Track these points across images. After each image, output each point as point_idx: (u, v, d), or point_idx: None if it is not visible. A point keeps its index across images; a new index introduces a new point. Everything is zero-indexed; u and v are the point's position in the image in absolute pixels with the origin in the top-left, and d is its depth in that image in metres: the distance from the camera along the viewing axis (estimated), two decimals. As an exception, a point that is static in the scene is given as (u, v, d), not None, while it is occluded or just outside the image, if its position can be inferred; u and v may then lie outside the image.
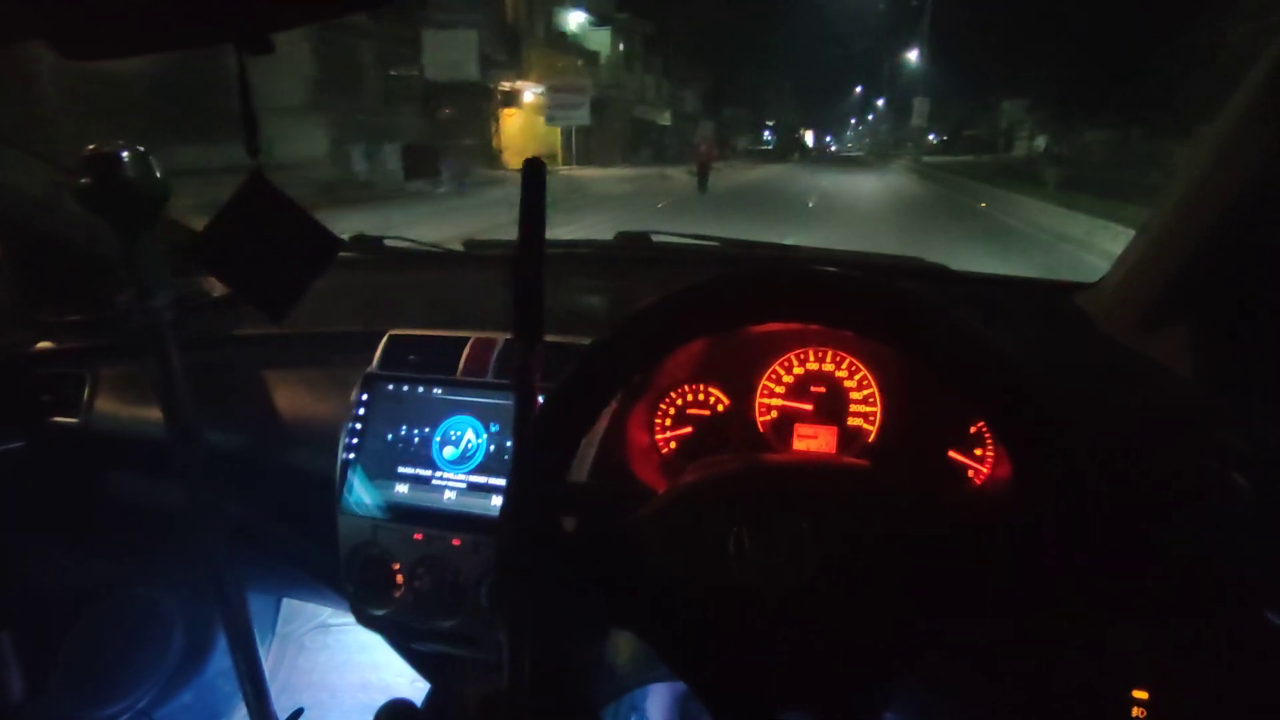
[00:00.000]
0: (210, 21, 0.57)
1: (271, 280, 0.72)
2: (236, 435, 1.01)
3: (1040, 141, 23.79)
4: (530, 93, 21.09)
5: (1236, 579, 0.67)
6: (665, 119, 27.80)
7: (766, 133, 59.61)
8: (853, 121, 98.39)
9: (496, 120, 20.09)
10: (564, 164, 23.44)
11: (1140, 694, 0.69)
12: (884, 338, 0.52)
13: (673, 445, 0.87)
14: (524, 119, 21.46)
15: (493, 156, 19.51)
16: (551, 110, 18.29)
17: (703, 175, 16.85)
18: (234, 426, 1.01)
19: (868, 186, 20.03)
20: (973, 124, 35.08)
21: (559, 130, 23.59)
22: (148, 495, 1.12)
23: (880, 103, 72.82)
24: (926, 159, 33.11)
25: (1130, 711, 0.69)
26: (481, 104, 18.87)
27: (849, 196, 16.07)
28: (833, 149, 76.83)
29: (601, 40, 25.12)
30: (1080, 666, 0.52)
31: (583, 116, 18.22)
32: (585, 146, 25.43)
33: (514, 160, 19.88)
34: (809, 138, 69.28)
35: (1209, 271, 0.71)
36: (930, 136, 42.98)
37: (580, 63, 23.63)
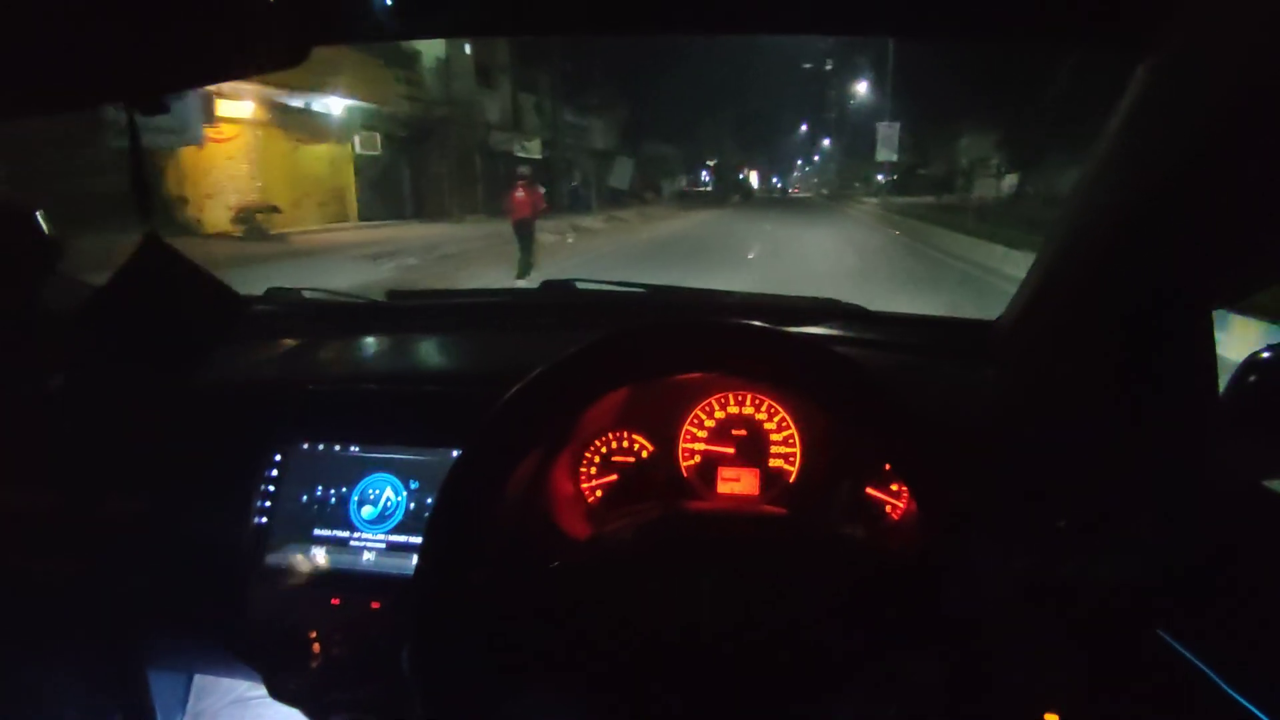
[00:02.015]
0: (103, 82, 0.57)
1: (172, 342, 0.70)
2: (138, 501, 0.92)
3: (1010, 180, 20.74)
4: (276, 100, 12.44)
5: (1133, 602, 0.69)
6: (533, 151, 19.77)
7: (704, 172, 53.32)
8: (799, 162, 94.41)
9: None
10: (356, 218, 14.98)
11: (1051, 717, 0.71)
12: (786, 387, 0.56)
13: (598, 494, 0.85)
14: (262, 143, 12.93)
15: (169, 209, 10.76)
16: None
17: (526, 240, 9.48)
18: (135, 492, 0.93)
19: (825, 256, 11.97)
20: (926, 162, 31.15)
21: (352, 164, 15.13)
22: (37, 571, 1.00)
23: (827, 142, 67.97)
24: (897, 199, 26.34)
25: None
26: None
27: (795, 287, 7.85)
28: (780, 189, 73.01)
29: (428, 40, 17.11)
30: (992, 693, 0.52)
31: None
32: (414, 190, 16.98)
33: (215, 217, 11.13)
34: (753, 178, 64.45)
35: (1094, 304, 0.73)
36: (879, 176, 38.30)
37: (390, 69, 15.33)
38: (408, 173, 16.88)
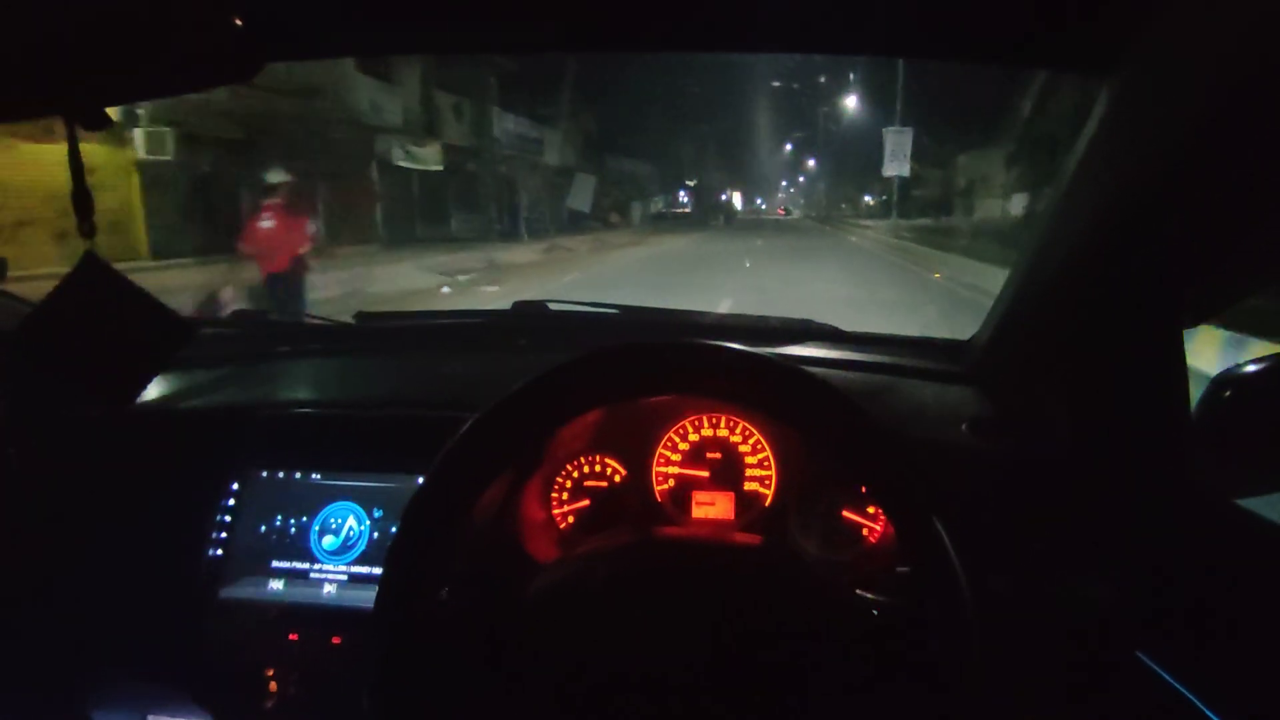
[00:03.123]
0: (41, 93, 0.55)
1: (110, 368, 0.67)
2: (86, 534, 0.89)
3: (1019, 199, 18.15)
4: None
5: (1111, 623, 0.68)
6: (428, 160, 14.93)
7: (683, 193, 49.45)
8: (784, 183, 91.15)
9: None
10: (146, 253, 10.10)
11: None
12: (759, 408, 0.53)
13: (570, 519, 0.84)
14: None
15: None
16: None
17: (288, 290, 5.21)
18: (82, 523, 0.89)
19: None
20: (920, 182, 27.82)
21: (135, 175, 10.23)
22: None
23: (813, 162, 64.61)
24: (904, 221, 22.10)
25: None
26: None
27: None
28: (766, 211, 70.01)
29: None
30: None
31: None
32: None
33: None
34: (736, 200, 60.89)
35: (1064, 323, 0.73)
36: (867, 197, 36.80)
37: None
38: (245, 190, 11.95)
